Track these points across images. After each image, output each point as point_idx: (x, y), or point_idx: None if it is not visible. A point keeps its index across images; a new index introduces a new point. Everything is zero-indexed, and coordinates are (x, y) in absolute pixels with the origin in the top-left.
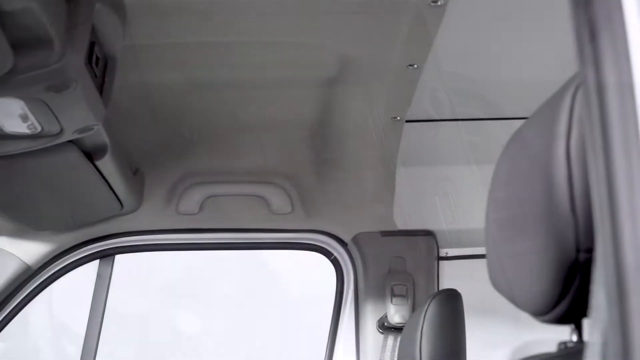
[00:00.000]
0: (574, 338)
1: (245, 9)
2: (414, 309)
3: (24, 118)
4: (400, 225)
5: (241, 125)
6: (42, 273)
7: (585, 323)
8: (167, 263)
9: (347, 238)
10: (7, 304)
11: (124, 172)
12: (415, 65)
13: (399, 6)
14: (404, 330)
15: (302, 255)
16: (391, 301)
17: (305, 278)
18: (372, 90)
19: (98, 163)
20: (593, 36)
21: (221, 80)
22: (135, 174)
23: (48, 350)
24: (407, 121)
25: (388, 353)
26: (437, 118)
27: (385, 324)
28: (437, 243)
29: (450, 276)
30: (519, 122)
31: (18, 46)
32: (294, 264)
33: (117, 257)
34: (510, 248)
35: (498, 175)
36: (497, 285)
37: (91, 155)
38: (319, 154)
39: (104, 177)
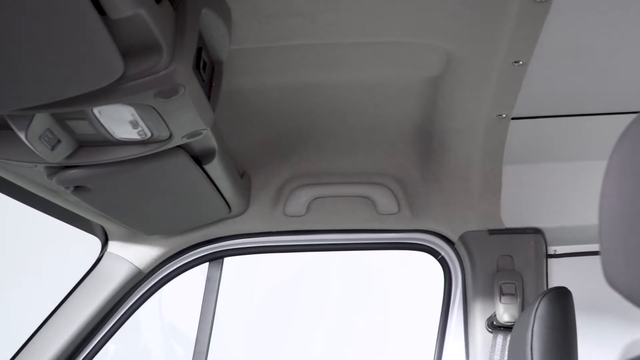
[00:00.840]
0: None
1: (349, 10)
2: (523, 307)
3: (134, 124)
4: (508, 223)
5: (346, 126)
6: (153, 276)
7: None
8: (275, 264)
9: (454, 237)
10: (119, 307)
11: (232, 175)
12: (521, 62)
13: (504, 3)
14: (513, 329)
15: (408, 255)
16: (500, 300)
17: (411, 278)
18: (477, 88)
19: (206, 167)
20: None
21: (325, 82)
22: (242, 177)
23: (159, 352)
24: (512, 118)
25: (498, 352)
26: (544, 114)
27: (495, 322)
28: (545, 240)
29: (559, 274)
30: (630, 117)
31: (127, 53)
32: (400, 263)
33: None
34: (625, 244)
35: (610, 170)
36: (612, 282)
37: (199, 159)
38: (424, 153)
39: (212, 181)
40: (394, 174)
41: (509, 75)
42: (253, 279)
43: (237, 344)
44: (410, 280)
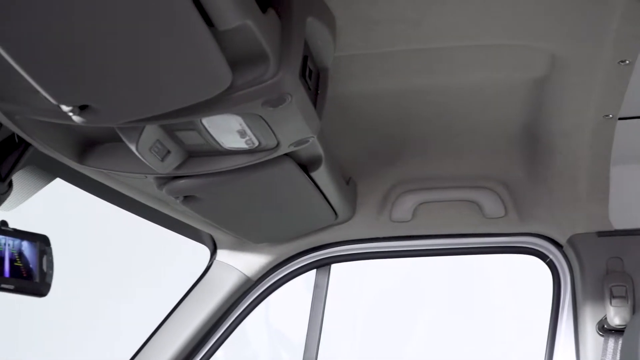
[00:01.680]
0: None
1: (452, 14)
2: (634, 310)
3: (242, 134)
4: (617, 224)
5: (450, 130)
6: (261, 284)
7: None
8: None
9: (562, 240)
10: (229, 314)
11: (338, 182)
12: (627, 61)
13: (608, 2)
14: (625, 332)
15: (513, 259)
16: (610, 303)
17: (518, 281)
18: (582, 89)
19: (313, 174)
20: None
21: (429, 86)
22: (348, 184)
23: (266, 358)
24: (619, 118)
25: (609, 356)
26: None
27: (605, 326)
28: None
29: None
30: None
31: (235, 63)
32: (505, 267)
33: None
34: None
35: None
36: None
37: (306, 167)
38: (530, 155)
39: (319, 188)
40: (500, 176)
41: (615, 75)
42: (361, 285)
43: (345, 350)
44: (516, 283)
